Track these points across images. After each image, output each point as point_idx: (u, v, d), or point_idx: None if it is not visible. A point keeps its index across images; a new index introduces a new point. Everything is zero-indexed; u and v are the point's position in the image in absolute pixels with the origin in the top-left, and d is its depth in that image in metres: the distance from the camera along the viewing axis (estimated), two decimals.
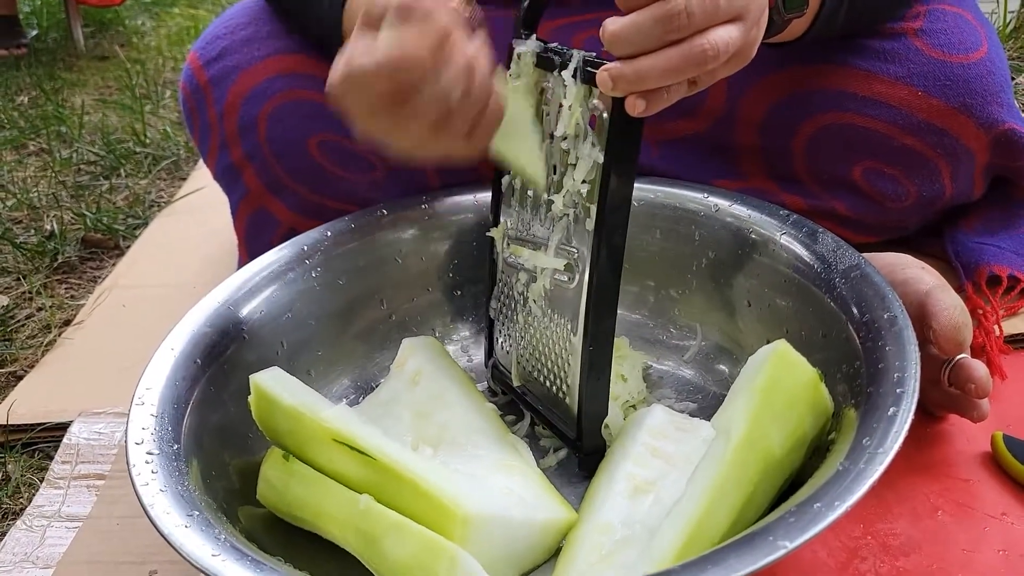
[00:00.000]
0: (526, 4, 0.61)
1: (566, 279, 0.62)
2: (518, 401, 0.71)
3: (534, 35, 0.61)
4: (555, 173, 0.61)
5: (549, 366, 0.66)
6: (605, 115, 0.56)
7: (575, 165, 0.59)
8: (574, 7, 0.82)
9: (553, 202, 0.61)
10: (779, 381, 0.55)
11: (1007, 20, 1.55)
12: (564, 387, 0.64)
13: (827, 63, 0.77)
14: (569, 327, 0.62)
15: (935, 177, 0.78)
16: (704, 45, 0.50)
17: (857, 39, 0.76)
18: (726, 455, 0.53)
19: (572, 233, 0.61)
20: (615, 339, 0.74)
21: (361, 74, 0.52)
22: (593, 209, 0.58)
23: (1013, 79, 1.37)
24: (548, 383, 0.66)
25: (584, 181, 0.58)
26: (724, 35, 0.50)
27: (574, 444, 0.65)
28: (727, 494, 0.52)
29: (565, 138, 0.59)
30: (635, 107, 0.52)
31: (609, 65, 0.51)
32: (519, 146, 0.61)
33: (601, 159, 0.57)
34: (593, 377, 0.62)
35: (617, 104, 0.54)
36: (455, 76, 0.52)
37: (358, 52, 0.53)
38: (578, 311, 0.61)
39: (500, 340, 0.72)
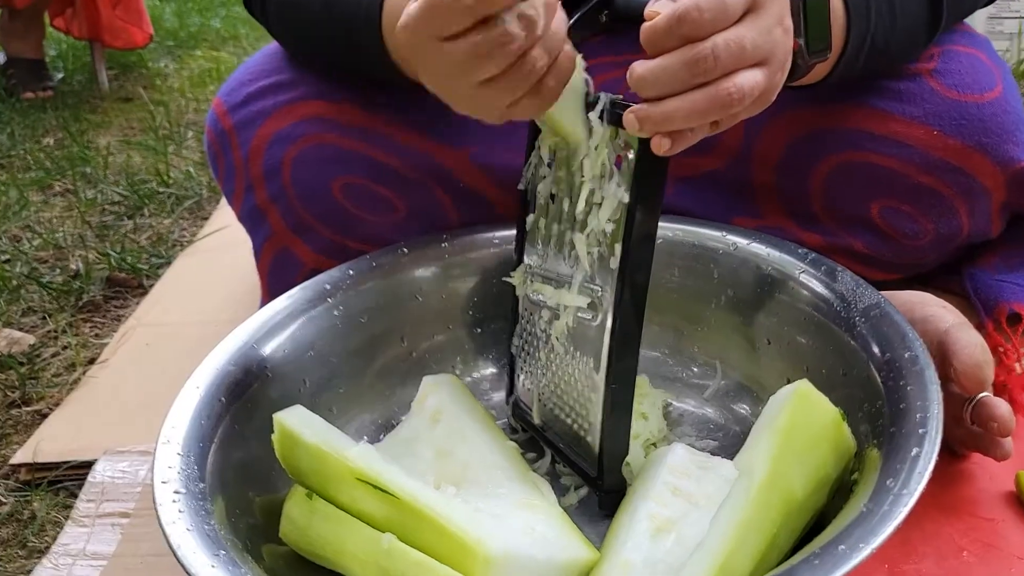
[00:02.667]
0: None
1: (589, 317, 0.62)
2: (539, 439, 0.71)
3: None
4: (578, 213, 0.62)
5: (571, 404, 0.66)
6: (631, 155, 0.57)
7: (600, 204, 0.60)
8: (597, 49, 0.84)
9: (576, 239, 0.62)
10: (801, 421, 0.56)
11: (1022, 58, 1.56)
12: (586, 425, 0.65)
13: (843, 103, 0.78)
14: (592, 365, 0.63)
15: (952, 215, 0.79)
16: (730, 89, 0.50)
17: (874, 80, 0.77)
18: (749, 496, 0.53)
19: (596, 271, 0.61)
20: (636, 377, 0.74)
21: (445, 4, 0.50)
22: (618, 248, 0.59)
23: None
24: (570, 421, 0.67)
25: (609, 220, 0.59)
26: (749, 79, 0.51)
27: (595, 482, 0.65)
28: (750, 535, 0.52)
29: (591, 178, 0.60)
30: (661, 146, 0.53)
31: (636, 107, 0.52)
32: (565, 109, 0.60)
33: (626, 199, 0.57)
34: (615, 416, 0.62)
35: (643, 144, 0.55)
36: (535, 12, 0.50)
37: None
38: (601, 349, 0.61)
39: (521, 377, 0.73)
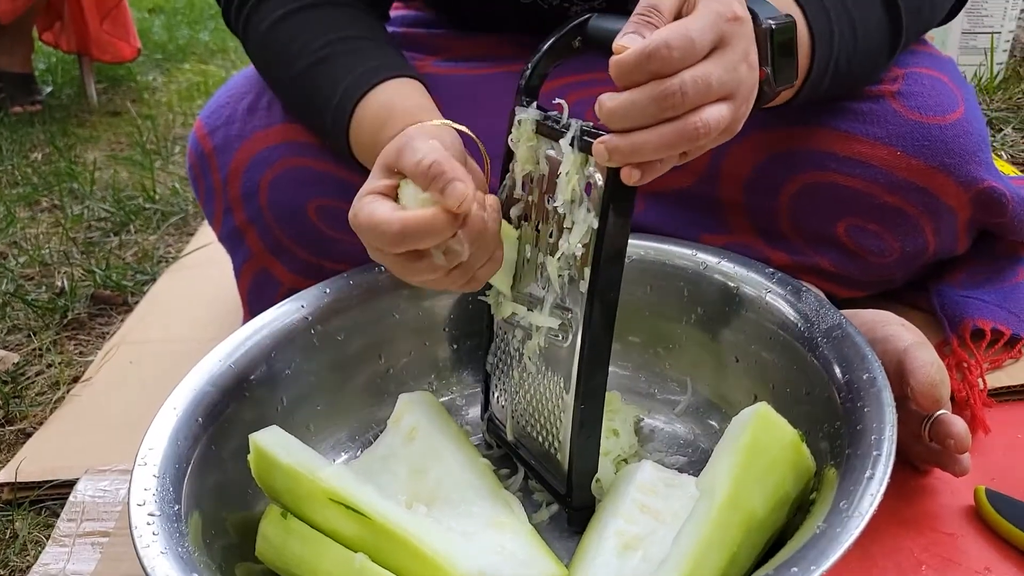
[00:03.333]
0: (528, 73, 0.64)
1: (559, 338, 0.64)
2: (512, 455, 0.73)
3: (535, 103, 0.64)
4: (550, 236, 0.64)
5: (542, 422, 0.68)
6: (599, 182, 0.58)
7: (571, 229, 0.61)
8: (568, 68, 0.85)
9: (547, 262, 0.64)
10: (761, 443, 0.57)
11: (995, 72, 1.58)
12: (556, 443, 0.66)
13: (808, 124, 0.79)
14: (562, 385, 0.64)
15: (918, 233, 0.80)
16: (697, 123, 0.52)
17: (838, 102, 0.79)
18: (710, 516, 0.54)
19: (567, 294, 0.63)
20: (607, 393, 0.76)
21: (380, 234, 0.58)
22: (587, 271, 0.60)
23: (1001, 131, 1.40)
24: (541, 439, 0.68)
25: (580, 244, 0.60)
26: (716, 113, 0.53)
27: (564, 499, 0.66)
28: (711, 554, 0.53)
29: (562, 203, 0.62)
30: (630, 177, 0.54)
31: (605, 137, 0.54)
32: (496, 278, 0.67)
33: (596, 224, 0.59)
34: (584, 434, 0.63)
35: (611, 172, 0.56)
36: (470, 242, 0.59)
37: (379, 209, 0.59)
38: (571, 369, 0.63)
39: (496, 394, 0.74)
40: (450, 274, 0.61)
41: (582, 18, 0.62)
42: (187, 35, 3.15)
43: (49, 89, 2.48)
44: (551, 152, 0.63)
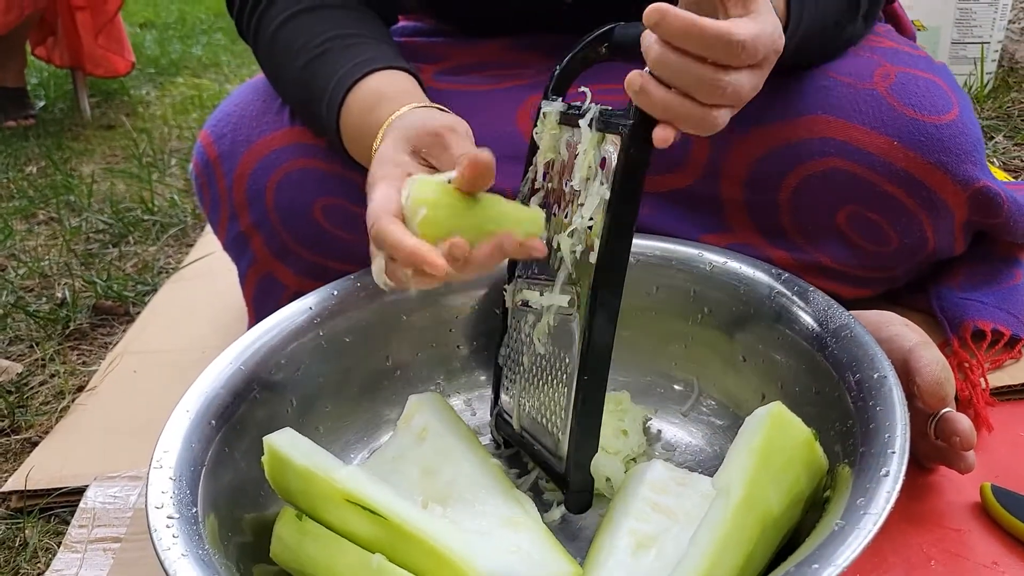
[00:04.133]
0: (555, 75, 0.67)
1: (569, 314, 0.65)
2: (517, 446, 0.73)
3: (560, 98, 0.67)
4: (566, 218, 0.65)
5: (547, 404, 0.68)
6: (614, 157, 0.60)
7: (584, 204, 0.63)
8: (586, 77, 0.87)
9: (561, 241, 0.65)
10: (776, 442, 0.57)
11: (984, 82, 1.60)
12: (558, 422, 0.67)
13: (804, 116, 0.80)
14: (568, 362, 0.65)
15: (917, 227, 0.81)
16: (716, 119, 0.55)
17: (832, 92, 0.80)
18: (727, 515, 0.55)
19: (576, 269, 0.64)
20: (616, 393, 0.76)
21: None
22: (596, 243, 0.61)
23: (992, 138, 1.42)
24: (545, 421, 0.68)
25: (591, 217, 0.62)
26: (724, 117, 0.55)
27: (563, 480, 0.66)
28: (728, 553, 0.54)
29: (578, 181, 0.64)
30: (666, 139, 0.56)
31: (644, 73, 0.55)
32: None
33: (607, 195, 0.60)
34: (585, 411, 0.64)
35: (625, 144, 0.59)
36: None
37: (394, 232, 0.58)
38: (577, 341, 0.63)
39: (506, 385, 0.75)
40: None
41: (609, 26, 0.64)
42: (179, 50, 3.15)
43: (42, 103, 2.48)
44: (572, 139, 0.65)
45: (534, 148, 0.68)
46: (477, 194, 0.59)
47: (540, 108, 0.67)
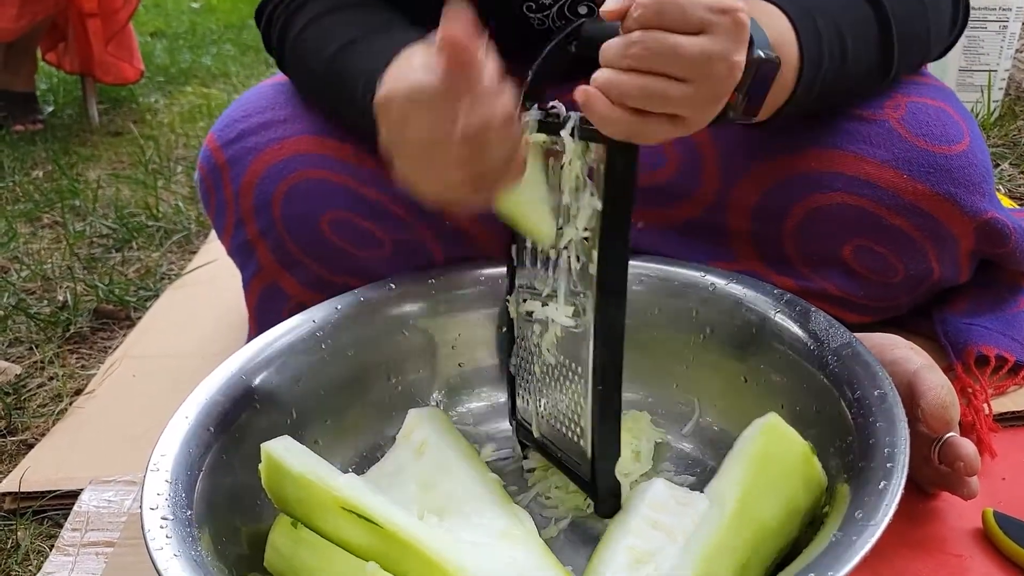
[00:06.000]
0: (529, 80, 0.66)
1: (574, 324, 0.65)
2: (541, 454, 0.74)
3: (535, 105, 0.65)
4: (559, 227, 0.65)
5: (566, 412, 0.68)
6: (601, 166, 0.60)
7: (576, 216, 0.63)
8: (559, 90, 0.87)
9: (559, 255, 0.65)
10: (771, 453, 0.57)
11: (991, 109, 1.61)
12: (578, 431, 0.67)
13: (813, 147, 0.80)
14: (580, 370, 0.65)
15: (922, 258, 0.81)
16: (654, 87, 0.54)
17: (842, 124, 0.80)
18: (720, 524, 0.55)
19: (578, 279, 0.64)
20: (637, 413, 0.76)
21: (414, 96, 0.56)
22: (595, 253, 0.61)
23: (998, 166, 1.42)
24: (565, 429, 0.69)
25: (586, 228, 0.62)
26: (676, 90, 0.54)
27: (589, 488, 0.67)
28: (721, 562, 0.54)
29: (567, 192, 0.63)
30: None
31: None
32: (529, 204, 0.65)
33: (599, 206, 0.60)
34: (603, 417, 0.64)
35: (611, 152, 0.59)
36: (481, 118, 0.55)
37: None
38: (587, 352, 0.63)
39: (521, 394, 0.75)
40: (470, 178, 0.58)
41: (577, 23, 0.64)
42: (189, 59, 3.17)
43: (51, 109, 2.49)
44: (555, 147, 0.65)
45: None
46: None
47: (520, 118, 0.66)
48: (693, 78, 0.54)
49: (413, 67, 0.58)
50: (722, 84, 0.56)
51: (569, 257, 0.64)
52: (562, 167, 0.63)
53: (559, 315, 0.66)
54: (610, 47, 0.55)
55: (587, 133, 0.61)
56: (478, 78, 0.54)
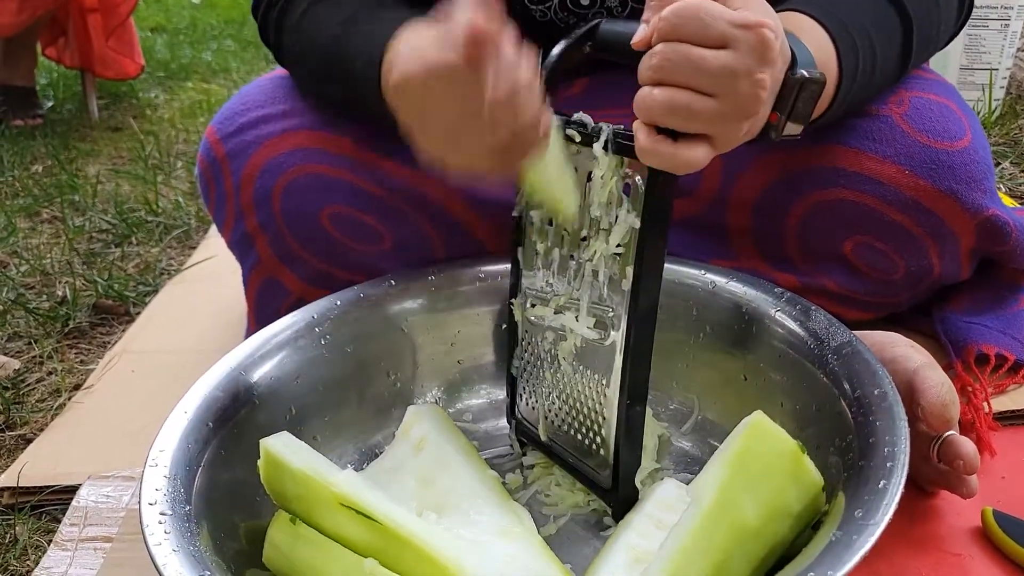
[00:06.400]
0: (544, 77, 0.65)
1: (597, 336, 0.65)
2: (544, 454, 0.74)
3: (556, 113, 0.64)
4: (583, 239, 0.65)
5: (582, 420, 0.68)
6: (639, 181, 0.60)
7: (608, 230, 0.62)
8: (576, 103, 0.86)
9: (582, 263, 0.65)
10: (752, 450, 0.57)
11: (992, 108, 1.60)
12: (598, 440, 0.67)
13: (816, 143, 0.80)
14: (604, 382, 0.65)
15: (923, 255, 0.81)
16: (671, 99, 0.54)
17: (844, 119, 0.79)
18: (695, 522, 0.54)
19: (606, 293, 0.64)
20: None
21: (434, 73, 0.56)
22: (629, 270, 0.61)
23: (999, 164, 1.42)
24: (580, 436, 0.69)
25: (619, 244, 0.62)
26: (701, 105, 0.54)
27: (608, 494, 0.67)
28: (695, 559, 0.53)
29: (597, 205, 0.63)
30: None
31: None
32: (554, 177, 0.64)
33: (637, 224, 0.60)
34: (630, 430, 0.64)
35: (652, 172, 0.58)
36: (506, 85, 0.54)
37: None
38: (612, 367, 0.64)
39: (524, 396, 0.75)
40: (499, 147, 0.57)
41: (592, 23, 0.63)
42: (189, 55, 3.16)
43: (50, 103, 2.48)
44: (576, 156, 0.64)
45: None
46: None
47: None
48: (717, 92, 0.54)
49: (424, 46, 0.57)
50: (747, 101, 0.55)
51: (595, 269, 0.64)
52: (588, 178, 0.63)
53: (580, 327, 0.66)
54: (640, 64, 0.55)
55: (621, 148, 0.60)
56: (502, 45, 0.54)
